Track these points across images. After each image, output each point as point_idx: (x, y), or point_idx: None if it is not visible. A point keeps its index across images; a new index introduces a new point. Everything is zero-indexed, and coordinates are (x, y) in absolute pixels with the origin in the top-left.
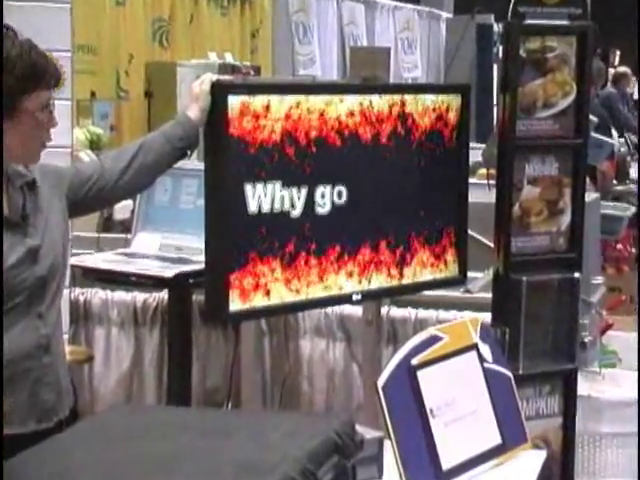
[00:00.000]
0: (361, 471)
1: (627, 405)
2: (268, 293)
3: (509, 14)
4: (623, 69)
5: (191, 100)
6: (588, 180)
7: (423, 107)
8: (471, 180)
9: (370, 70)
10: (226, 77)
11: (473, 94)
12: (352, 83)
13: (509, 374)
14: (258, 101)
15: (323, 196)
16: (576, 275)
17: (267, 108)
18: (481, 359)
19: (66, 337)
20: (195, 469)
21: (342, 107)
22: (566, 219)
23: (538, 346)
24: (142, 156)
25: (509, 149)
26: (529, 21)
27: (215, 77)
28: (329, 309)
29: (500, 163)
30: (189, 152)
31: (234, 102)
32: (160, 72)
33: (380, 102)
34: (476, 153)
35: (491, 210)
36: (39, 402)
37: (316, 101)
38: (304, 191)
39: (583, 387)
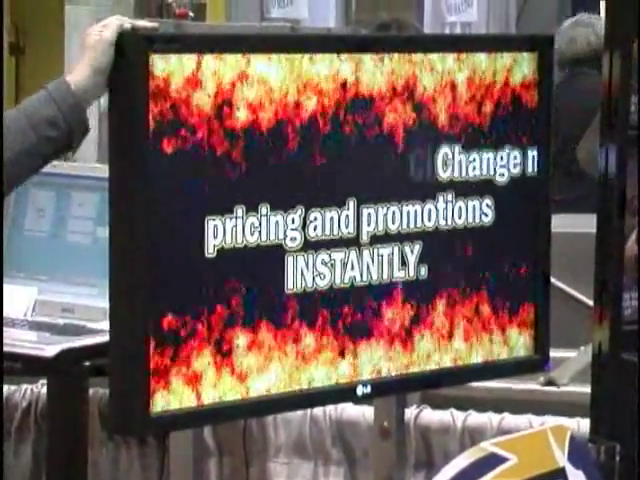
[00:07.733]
0: None
1: None
2: (215, 385)
3: None
4: None
5: (81, 55)
6: None
7: (475, 74)
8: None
9: (390, 11)
10: (147, 23)
11: None
12: (358, 35)
13: None
14: (203, 65)
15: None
16: None
17: (216, 75)
18: None
19: None
20: None
21: (336, 75)
22: None
23: None
24: None
25: (619, 144)
26: None
27: (128, 22)
28: (318, 411)
29: (604, 166)
30: (71, 146)
31: (160, 65)
32: (37, 13)
33: (406, 65)
34: None
35: (590, 245)
36: None
37: (295, 64)
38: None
39: None
